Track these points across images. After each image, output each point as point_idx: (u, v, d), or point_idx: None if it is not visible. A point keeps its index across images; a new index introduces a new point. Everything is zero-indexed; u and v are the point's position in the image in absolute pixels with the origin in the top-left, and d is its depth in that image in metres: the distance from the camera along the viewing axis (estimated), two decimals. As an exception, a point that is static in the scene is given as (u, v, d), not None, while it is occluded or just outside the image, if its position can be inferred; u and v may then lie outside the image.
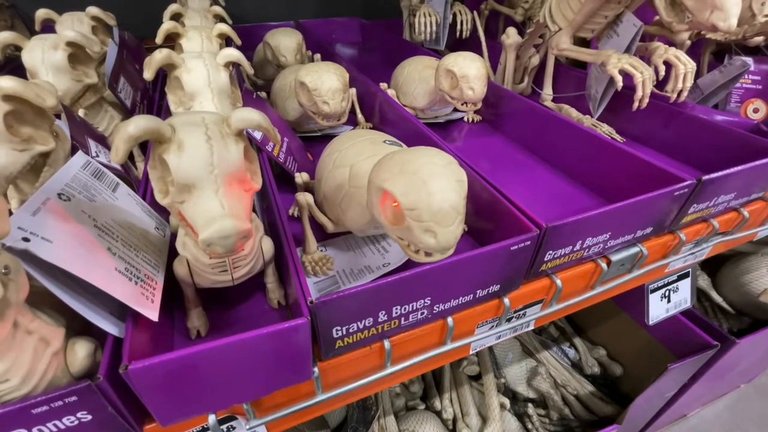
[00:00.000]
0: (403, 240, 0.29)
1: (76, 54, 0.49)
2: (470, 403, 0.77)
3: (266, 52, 0.75)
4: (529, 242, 0.35)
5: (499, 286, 0.38)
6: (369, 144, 0.40)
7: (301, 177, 0.49)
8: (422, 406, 0.80)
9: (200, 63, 0.43)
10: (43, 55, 0.47)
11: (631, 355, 0.87)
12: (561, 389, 0.85)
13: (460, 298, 0.36)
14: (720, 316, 0.93)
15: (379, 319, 0.33)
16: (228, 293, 0.39)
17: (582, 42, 0.69)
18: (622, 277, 0.48)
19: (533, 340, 0.93)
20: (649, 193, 0.40)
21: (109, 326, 0.28)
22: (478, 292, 0.37)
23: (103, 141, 0.46)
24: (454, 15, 0.92)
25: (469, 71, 0.56)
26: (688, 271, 0.60)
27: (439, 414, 0.78)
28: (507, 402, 0.78)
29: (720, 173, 0.44)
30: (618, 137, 0.66)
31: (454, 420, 0.77)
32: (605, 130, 0.66)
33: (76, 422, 0.26)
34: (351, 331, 0.32)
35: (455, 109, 0.72)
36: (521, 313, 0.43)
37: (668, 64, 0.58)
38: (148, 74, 0.40)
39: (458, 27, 0.93)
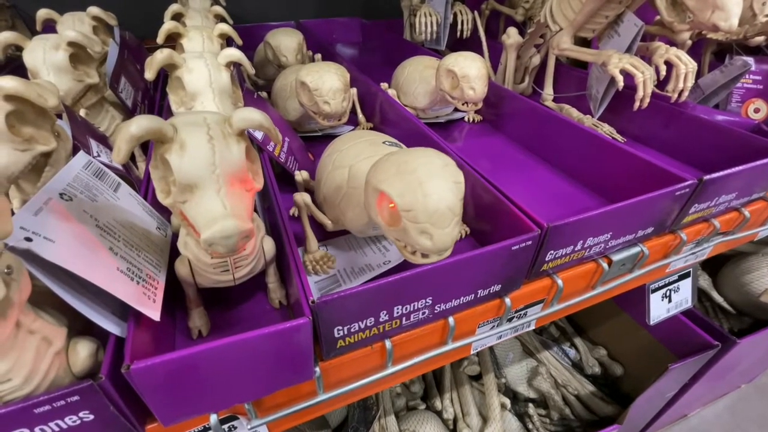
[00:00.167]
0: (400, 241, 0.29)
1: (78, 54, 0.50)
2: (471, 403, 0.77)
3: (267, 52, 0.75)
4: (530, 242, 0.35)
5: (500, 285, 0.38)
6: (368, 145, 0.40)
7: (300, 175, 0.49)
8: (423, 406, 0.80)
9: (201, 63, 0.43)
10: (45, 55, 0.47)
11: (631, 355, 0.87)
12: (561, 389, 0.85)
13: (462, 297, 0.36)
14: (721, 316, 0.93)
15: (381, 319, 0.33)
16: (229, 293, 0.39)
17: (583, 42, 0.69)
18: (623, 277, 0.48)
19: (534, 340, 0.93)
20: (650, 193, 0.40)
21: (111, 326, 0.28)
22: (479, 291, 0.37)
23: (105, 141, 0.46)
24: (455, 15, 0.92)
25: (470, 71, 0.56)
26: (689, 271, 0.60)
27: (439, 414, 0.78)
28: (507, 402, 0.78)
29: (721, 173, 0.44)
30: (619, 137, 0.66)
31: (455, 420, 0.77)
32: (606, 130, 0.66)
33: (78, 422, 0.26)
34: (352, 330, 0.32)
35: (456, 109, 0.72)
36: (522, 312, 0.43)
37: (669, 64, 0.58)
38: (150, 74, 0.40)
39: (459, 27, 0.93)
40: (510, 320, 0.43)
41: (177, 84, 0.44)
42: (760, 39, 0.70)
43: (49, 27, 0.61)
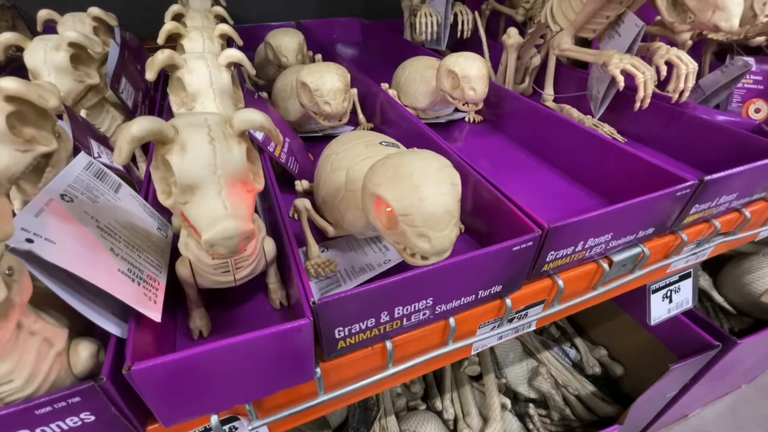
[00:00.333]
0: (399, 244, 0.29)
1: (78, 54, 0.50)
2: (471, 404, 0.77)
3: (267, 53, 0.75)
4: (531, 243, 0.35)
5: (501, 286, 0.38)
6: (365, 146, 0.40)
7: (301, 185, 0.50)
8: (423, 406, 0.80)
9: (202, 64, 0.43)
10: (45, 56, 0.47)
11: (632, 355, 0.87)
12: (562, 389, 0.85)
13: (462, 298, 0.36)
14: (721, 317, 0.93)
15: (381, 320, 0.33)
16: (230, 294, 0.39)
17: (583, 42, 0.69)
18: (623, 278, 0.48)
19: (534, 340, 0.93)
20: (651, 194, 0.40)
21: (112, 327, 0.28)
22: (480, 292, 0.37)
23: (105, 141, 0.46)
24: (455, 15, 0.92)
25: (471, 71, 0.56)
26: (690, 272, 0.60)
27: (440, 414, 0.78)
28: (508, 402, 0.78)
29: (722, 174, 0.43)
30: (619, 137, 0.66)
31: (455, 420, 0.77)
32: (607, 130, 0.66)
33: (80, 423, 0.26)
34: (353, 331, 0.32)
35: (456, 110, 0.72)
36: (523, 313, 0.43)
37: (670, 65, 0.58)
38: (151, 75, 0.40)
39: (459, 27, 0.93)
40: (511, 321, 0.43)
41: (178, 85, 0.44)
42: (761, 39, 0.70)
43: (50, 27, 0.61)
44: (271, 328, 0.27)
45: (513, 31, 0.73)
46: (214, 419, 0.31)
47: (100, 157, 0.40)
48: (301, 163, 0.54)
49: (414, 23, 0.95)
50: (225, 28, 0.55)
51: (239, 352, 0.27)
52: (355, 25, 1.25)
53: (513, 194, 0.40)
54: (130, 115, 0.58)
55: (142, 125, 0.23)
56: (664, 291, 0.59)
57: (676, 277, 0.59)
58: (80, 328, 0.29)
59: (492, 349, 0.89)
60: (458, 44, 0.95)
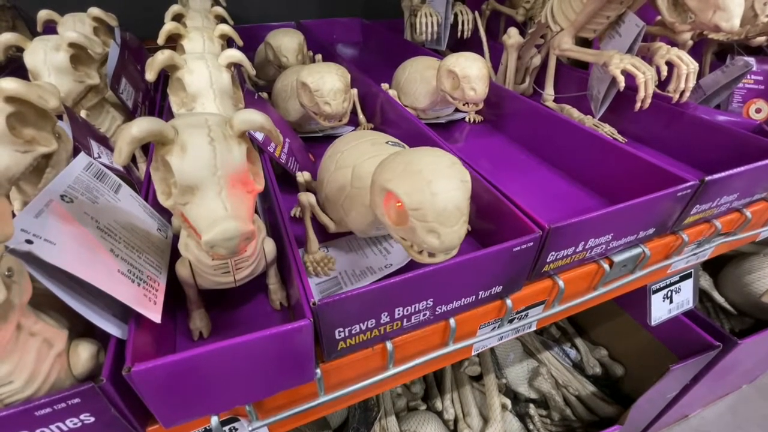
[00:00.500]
0: (407, 240, 0.29)
1: (78, 55, 0.49)
2: (471, 404, 0.77)
3: (267, 53, 0.75)
4: (531, 243, 0.35)
5: (501, 287, 0.38)
6: (371, 145, 0.40)
7: (302, 176, 0.49)
8: (423, 406, 0.80)
9: (202, 64, 0.43)
10: (46, 56, 0.47)
11: (632, 355, 0.87)
12: (562, 390, 0.85)
13: (463, 299, 0.36)
14: (722, 317, 0.93)
15: (382, 321, 0.33)
16: (230, 295, 0.39)
17: (584, 42, 0.69)
18: (624, 278, 0.48)
19: (534, 340, 0.93)
20: (651, 194, 0.40)
21: (112, 328, 0.28)
22: (480, 293, 0.37)
23: (105, 142, 0.46)
24: (455, 15, 0.92)
25: (471, 71, 0.56)
26: (691, 272, 0.60)
27: (440, 414, 0.78)
28: (508, 402, 0.78)
29: (723, 174, 0.43)
30: (620, 138, 0.66)
31: (456, 420, 0.77)
32: (607, 130, 0.66)
33: (80, 424, 0.26)
34: (353, 332, 0.32)
35: (457, 110, 0.72)
36: (523, 314, 0.43)
37: (670, 65, 0.58)
38: (151, 75, 0.40)
39: (459, 27, 0.93)
40: (511, 321, 0.43)
41: (178, 85, 0.44)
42: (762, 39, 0.70)
43: (50, 28, 0.61)
44: (271, 329, 0.27)
45: (513, 31, 0.73)
46: (214, 420, 0.31)
47: (100, 157, 0.40)
48: (302, 164, 0.54)
49: (414, 23, 0.95)
50: (225, 29, 0.55)
51: (239, 353, 0.27)
52: (356, 25, 1.25)
53: (513, 194, 0.40)
54: (130, 115, 0.58)
55: (142, 126, 0.23)
56: (664, 291, 0.59)
57: (676, 278, 0.59)
58: (80, 329, 0.29)
59: (492, 349, 0.89)
60: (458, 44, 0.95)
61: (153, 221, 0.37)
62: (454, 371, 0.84)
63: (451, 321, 0.37)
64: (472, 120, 0.74)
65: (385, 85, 0.72)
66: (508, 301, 0.39)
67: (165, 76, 0.65)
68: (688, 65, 0.56)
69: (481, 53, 0.73)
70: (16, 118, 0.29)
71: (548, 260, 0.39)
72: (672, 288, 0.60)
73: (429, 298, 0.34)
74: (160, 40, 0.51)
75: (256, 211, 0.37)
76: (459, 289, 0.35)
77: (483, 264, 0.34)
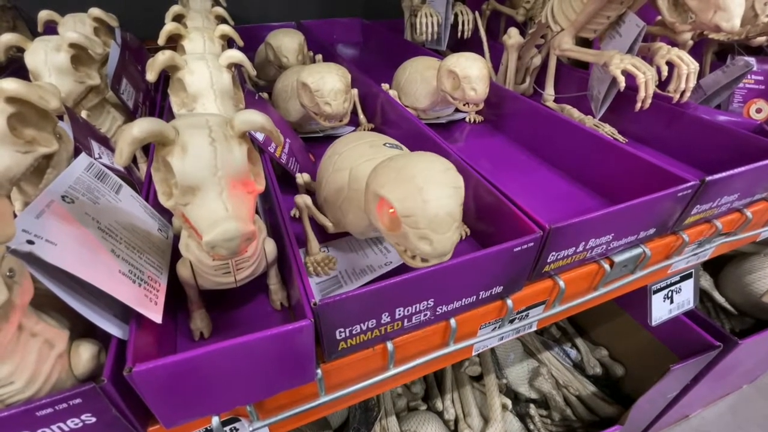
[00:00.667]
0: (400, 246, 0.29)
1: (79, 55, 0.50)
2: (472, 404, 0.77)
3: (268, 53, 0.75)
4: (532, 244, 0.35)
5: (502, 287, 0.38)
6: (369, 147, 0.40)
7: (302, 178, 0.49)
8: (424, 406, 0.80)
9: (203, 65, 0.43)
10: (46, 57, 0.47)
11: (633, 355, 0.87)
12: (563, 390, 0.85)
13: (463, 299, 0.36)
14: (722, 317, 0.93)
15: (382, 321, 0.33)
16: (231, 295, 0.39)
17: (584, 42, 0.69)
18: (624, 278, 0.48)
19: (535, 340, 0.93)
20: (652, 194, 0.40)
21: (113, 328, 0.28)
22: (481, 293, 0.37)
23: (106, 142, 0.46)
24: (456, 15, 0.92)
25: (471, 72, 0.56)
26: (691, 272, 0.60)
27: (440, 415, 0.78)
28: (509, 402, 0.78)
29: (723, 174, 0.43)
30: (620, 138, 0.66)
31: (456, 421, 0.77)
32: (607, 130, 0.66)
33: (81, 424, 0.26)
34: (354, 332, 0.32)
35: (457, 110, 0.72)
36: (524, 314, 0.43)
37: (671, 65, 0.58)
38: (152, 76, 0.40)
39: (460, 27, 0.93)
40: (512, 322, 0.43)
41: (178, 85, 0.44)
42: (762, 39, 0.70)
43: (51, 28, 0.61)
44: (272, 330, 0.27)
45: (513, 32, 0.73)
46: (215, 420, 0.31)
47: (100, 158, 0.40)
48: (302, 164, 0.54)
49: (414, 23, 0.95)
50: (225, 29, 0.55)
51: (240, 353, 0.27)
52: (356, 26, 1.25)
53: (514, 195, 0.40)
54: (130, 115, 0.58)
55: (143, 126, 0.23)
56: (665, 291, 0.59)
57: (677, 278, 0.59)
58: (81, 329, 0.29)
59: (493, 349, 0.89)
60: (459, 44, 0.95)
61: (154, 222, 0.37)
62: (455, 371, 0.84)
63: (452, 321, 0.37)
64: (472, 120, 0.74)
65: (385, 86, 0.72)
66: (509, 302, 0.39)
67: (165, 76, 0.65)
68: (688, 65, 0.56)
69: (481, 53, 0.73)
70: (17, 119, 0.29)
71: (549, 260, 0.39)
72: (672, 288, 0.60)
73: (430, 299, 0.34)
74: (161, 41, 0.51)
75: (256, 212, 0.37)
76: (460, 290, 0.35)
77: (484, 264, 0.34)
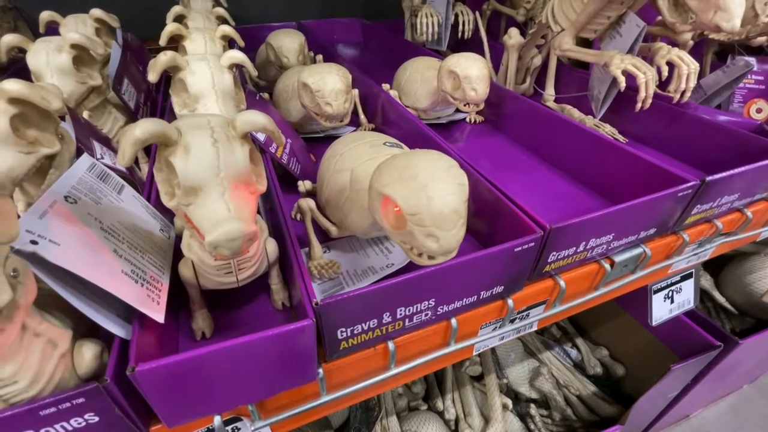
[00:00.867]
0: (406, 244, 0.29)
1: (80, 56, 0.50)
2: (472, 404, 0.77)
3: (269, 53, 0.76)
4: (532, 243, 0.35)
5: (502, 287, 0.38)
6: (369, 147, 0.40)
7: (304, 185, 0.50)
8: (425, 406, 0.80)
9: (204, 65, 0.43)
10: (48, 58, 0.47)
11: (633, 355, 0.87)
12: (563, 390, 0.85)
13: (464, 299, 0.36)
14: (723, 317, 0.93)
15: (384, 321, 0.33)
16: (233, 295, 0.39)
17: (584, 42, 0.69)
18: (625, 278, 0.48)
19: (535, 340, 0.93)
20: (652, 194, 0.40)
21: (116, 328, 0.28)
22: (482, 293, 0.37)
23: (108, 142, 0.46)
24: (456, 15, 0.92)
25: (472, 72, 0.56)
26: (692, 272, 0.60)
27: (441, 414, 0.78)
28: (509, 402, 0.78)
29: (724, 174, 0.43)
30: (621, 138, 0.66)
31: (457, 420, 0.77)
32: (608, 130, 0.66)
33: (84, 423, 0.26)
34: (355, 332, 0.33)
35: (457, 110, 0.72)
36: (525, 314, 0.43)
37: (671, 65, 0.58)
38: (153, 76, 0.40)
39: (460, 27, 0.93)
40: (512, 321, 0.43)
41: (180, 86, 0.44)
42: (763, 39, 0.70)
43: (52, 29, 0.61)
44: (273, 329, 0.27)
45: (514, 32, 0.73)
46: (217, 420, 0.31)
47: (102, 158, 0.40)
48: (303, 164, 0.54)
49: (415, 24, 0.95)
50: (226, 30, 0.55)
51: (242, 353, 0.27)
52: (356, 26, 1.25)
53: (514, 195, 0.40)
54: (132, 116, 0.58)
55: (146, 127, 0.23)
56: (665, 291, 0.59)
57: (677, 278, 0.59)
58: (84, 329, 0.29)
59: (493, 349, 0.89)
60: (459, 45, 0.95)
61: (156, 222, 0.38)
62: (455, 371, 0.84)
63: (453, 321, 0.37)
64: (472, 120, 0.74)
65: (386, 86, 0.72)
66: (510, 301, 0.39)
67: (167, 77, 0.65)
68: (688, 65, 0.56)
69: (481, 53, 0.73)
70: (19, 120, 0.29)
71: (549, 260, 0.39)
72: (673, 288, 0.60)
73: (431, 299, 0.34)
74: (162, 41, 0.51)
75: (258, 212, 0.37)
76: (460, 290, 0.35)
77: (484, 264, 0.34)
